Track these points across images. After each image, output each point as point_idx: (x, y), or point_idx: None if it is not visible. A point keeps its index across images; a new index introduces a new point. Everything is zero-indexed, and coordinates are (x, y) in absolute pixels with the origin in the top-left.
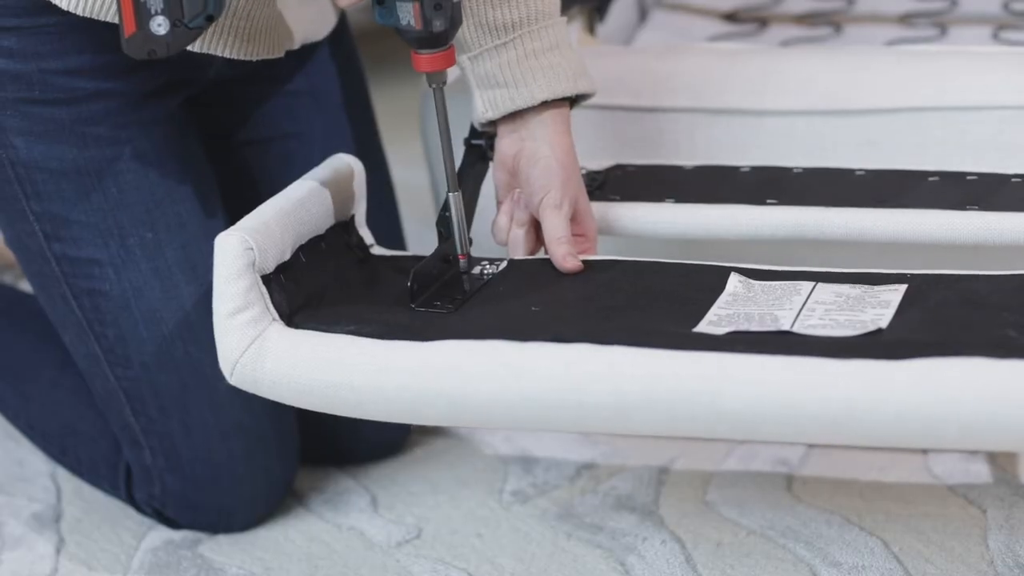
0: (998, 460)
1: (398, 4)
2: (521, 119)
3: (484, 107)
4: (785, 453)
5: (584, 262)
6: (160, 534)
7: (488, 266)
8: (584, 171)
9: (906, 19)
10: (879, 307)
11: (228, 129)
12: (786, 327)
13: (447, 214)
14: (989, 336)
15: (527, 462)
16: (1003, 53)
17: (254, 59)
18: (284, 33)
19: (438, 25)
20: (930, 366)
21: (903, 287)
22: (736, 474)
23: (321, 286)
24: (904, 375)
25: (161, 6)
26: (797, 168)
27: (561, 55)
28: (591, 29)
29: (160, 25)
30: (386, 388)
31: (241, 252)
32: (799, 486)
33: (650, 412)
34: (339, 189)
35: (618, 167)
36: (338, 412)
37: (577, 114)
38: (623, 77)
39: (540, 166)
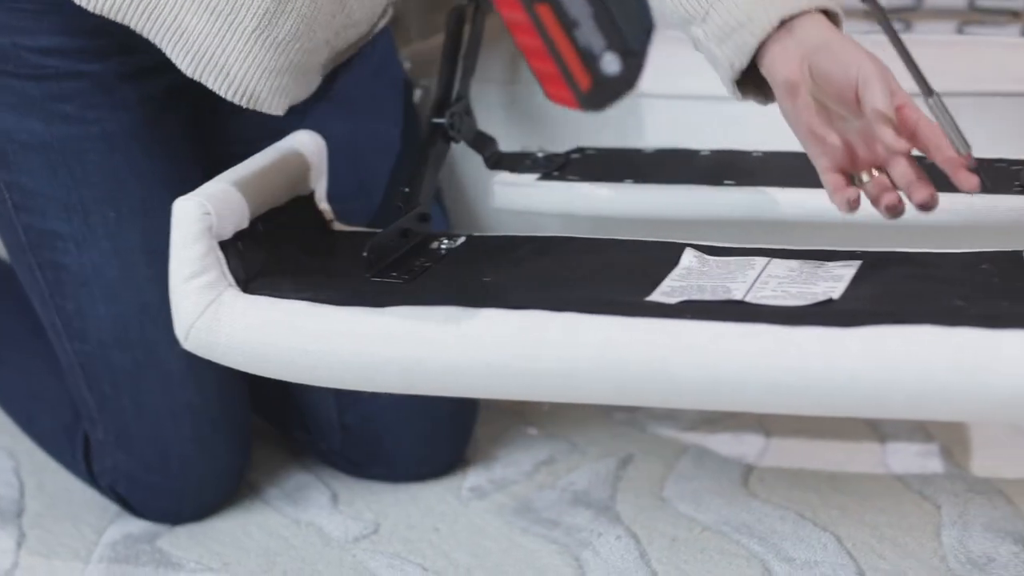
0: (954, 456)
1: None
2: (778, 41)
3: (731, 58)
4: (743, 448)
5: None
6: (120, 528)
7: (446, 241)
8: (543, 153)
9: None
10: (832, 280)
11: (236, 118)
12: (738, 297)
13: (405, 191)
14: (938, 306)
15: (487, 458)
16: (963, 42)
17: (243, 105)
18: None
19: None
20: (879, 333)
21: (857, 263)
22: (693, 469)
23: (279, 256)
24: (853, 342)
25: (603, 42)
26: (756, 152)
27: None
28: None
29: (611, 63)
30: (339, 354)
31: (199, 217)
32: (755, 481)
33: (601, 379)
34: (301, 163)
35: (579, 150)
36: (292, 378)
37: (538, 98)
38: None
39: (834, 47)
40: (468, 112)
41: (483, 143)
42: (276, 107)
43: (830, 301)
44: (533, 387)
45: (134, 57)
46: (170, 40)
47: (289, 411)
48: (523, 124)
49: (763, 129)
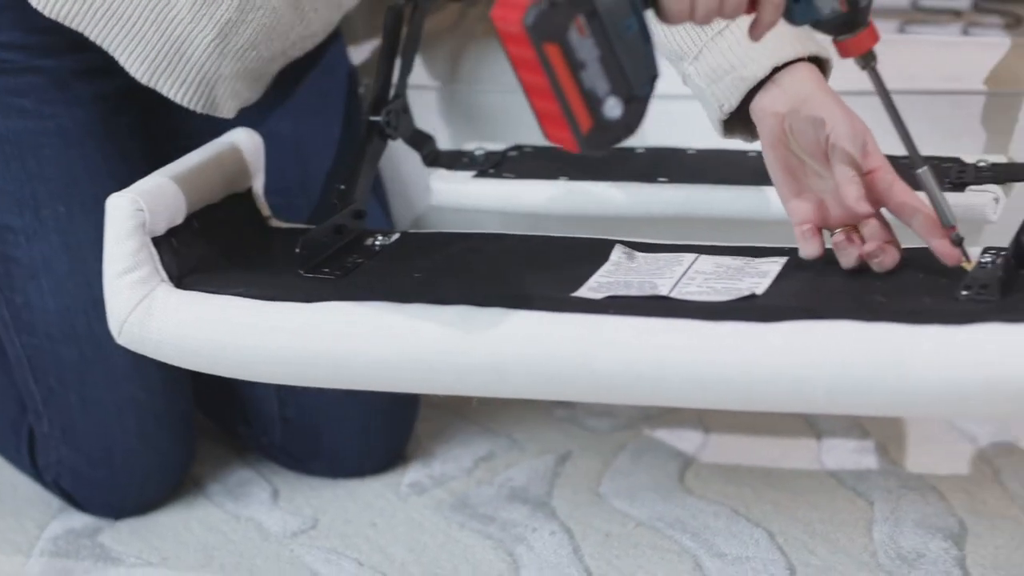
0: (889, 452)
1: None
2: (768, 91)
3: (721, 99)
4: (681, 445)
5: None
6: (62, 523)
7: (380, 238)
8: (482, 151)
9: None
10: (757, 276)
11: (186, 117)
12: (663, 293)
13: (341, 188)
14: (860, 301)
15: (427, 454)
16: (902, 41)
17: (198, 110)
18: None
19: (864, 0)
20: (799, 328)
21: (784, 259)
22: (630, 466)
23: (213, 252)
24: (774, 337)
25: (608, 86)
26: (691, 149)
27: (780, 25)
28: None
29: (613, 107)
30: (269, 348)
31: (131, 213)
32: (691, 477)
33: (526, 373)
34: (238, 160)
35: (516, 147)
36: (224, 373)
37: (477, 96)
38: None
39: (812, 102)
40: (405, 110)
41: (421, 141)
42: (228, 111)
43: (753, 296)
44: (460, 382)
45: (86, 55)
46: (124, 48)
47: (231, 406)
48: (463, 123)
49: (698, 127)
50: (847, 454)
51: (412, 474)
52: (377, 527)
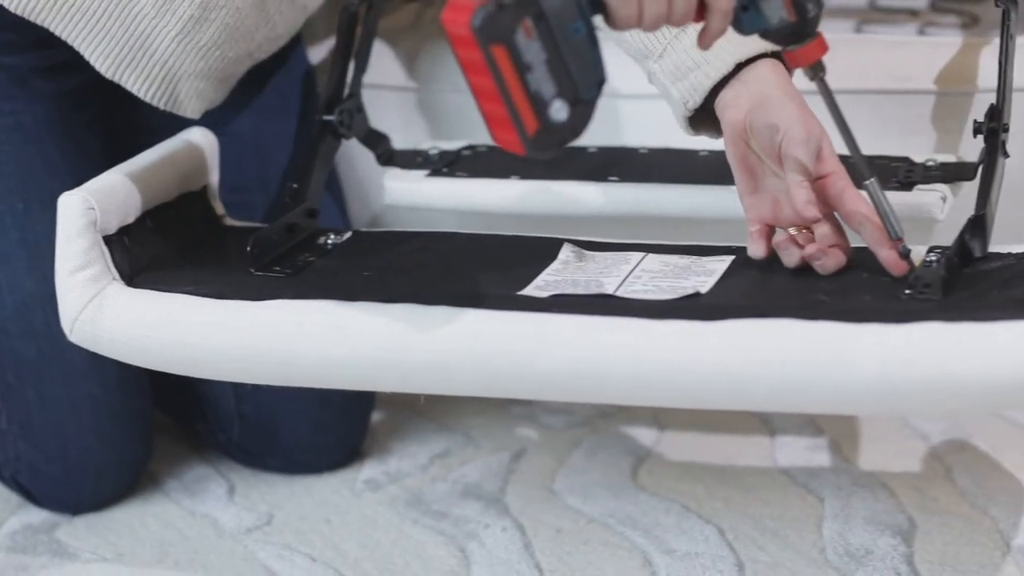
0: (842, 450)
1: (763, 4)
2: (732, 87)
3: (685, 96)
4: (635, 442)
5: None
6: (20, 519)
7: (332, 236)
8: (436, 150)
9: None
10: (703, 275)
11: (149, 113)
12: (609, 292)
13: (294, 186)
14: (803, 299)
15: (383, 451)
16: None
17: (160, 106)
18: (199, 96)
19: (812, 9)
20: (740, 327)
21: (730, 258)
22: (584, 463)
23: (166, 250)
24: (715, 336)
25: (554, 89)
26: (643, 148)
27: (728, 34)
28: None
29: (559, 110)
30: (219, 347)
31: (83, 212)
32: (645, 474)
33: (471, 372)
34: (192, 159)
35: (470, 147)
36: (174, 371)
37: (434, 96)
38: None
39: (770, 103)
40: (359, 109)
41: (375, 140)
42: (192, 111)
43: (697, 295)
44: (407, 379)
45: (50, 53)
46: (89, 43)
47: (189, 403)
48: (419, 122)
49: (650, 126)
50: (800, 451)
51: (368, 471)
52: (331, 523)
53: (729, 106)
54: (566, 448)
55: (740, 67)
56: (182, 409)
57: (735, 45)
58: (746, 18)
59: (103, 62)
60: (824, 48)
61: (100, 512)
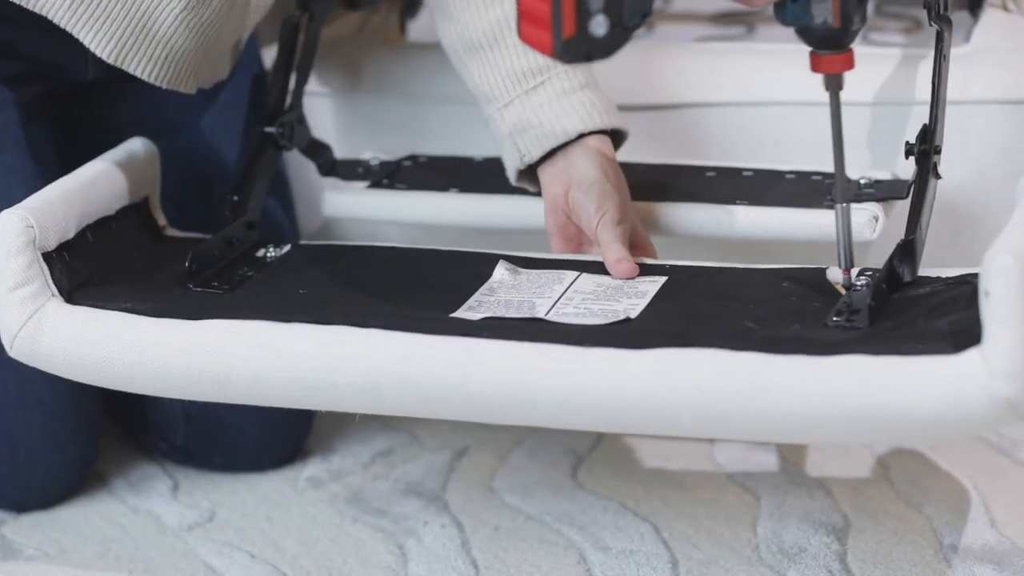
0: (782, 449)
1: (813, 2)
2: (563, 157)
3: (522, 151)
4: (575, 443)
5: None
6: None
7: (272, 249)
8: (378, 161)
9: (717, 17)
10: (635, 297)
11: (110, 118)
12: (540, 315)
13: (234, 198)
14: (730, 328)
15: (327, 449)
16: (790, 51)
17: (164, 86)
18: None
19: (857, 22)
20: (666, 356)
21: (662, 279)
22: (525, 462)
23: (106, 265)
24: (641, 364)
25: (601, 5)
26: None
27: (592, 93)
28: (402, 27)
29: (600, 25)
30: (155, 365)
31: (21, 230)
32: (584, 474)
33: (402, 394)
34: (132, 171)
35: (411, 157)
36: (112, 387)
37: (377, 105)
38: (428, 71)
39: (595, 190)
40: (301, 120)
41: (317, 150)
42: (190, 86)
43: (627, 321)
44: (339, 401)
45: (11, 62)
46: (90, 29)
47: (134, 410)
48: (362, 130)
49: None
50: (740, 452)
51: (311, 468)
52: (272, 520)
53: (554, 178)
54: (507, 447)
55: (580, 136)
56: (127, 417)
57: (584, 115)
58: (792, 8)
59: (105, 47)
60: (851, 64)
61: (45, 510)
